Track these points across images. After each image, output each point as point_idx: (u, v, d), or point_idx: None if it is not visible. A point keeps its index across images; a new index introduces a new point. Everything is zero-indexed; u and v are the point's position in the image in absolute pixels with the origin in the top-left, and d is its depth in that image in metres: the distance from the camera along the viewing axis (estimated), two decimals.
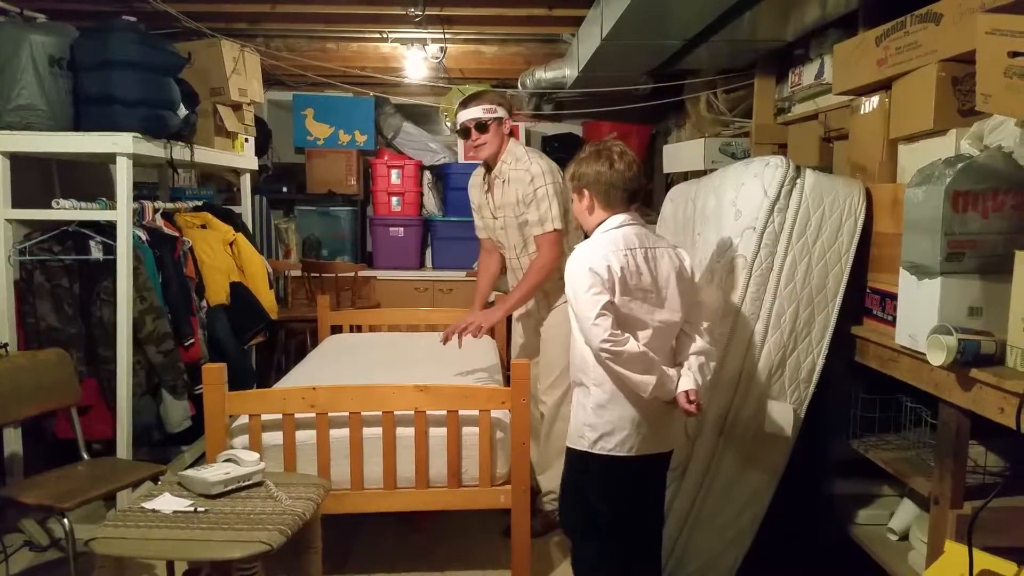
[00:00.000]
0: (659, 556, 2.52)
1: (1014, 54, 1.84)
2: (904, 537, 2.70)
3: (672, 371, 2.26)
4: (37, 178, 3.71)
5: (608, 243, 2.23)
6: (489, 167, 3.33)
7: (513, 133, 3.34)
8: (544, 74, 5.38)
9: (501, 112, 3.22)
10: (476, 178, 3.48)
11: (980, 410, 1.97)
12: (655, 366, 2.20)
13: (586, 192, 2.31)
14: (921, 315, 2.16)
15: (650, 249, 2.26)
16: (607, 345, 2.15)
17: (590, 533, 2.40)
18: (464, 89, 6.05)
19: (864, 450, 2.69)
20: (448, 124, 6.41)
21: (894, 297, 2.36)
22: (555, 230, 3.12)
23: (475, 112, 3.20)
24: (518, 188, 3.19)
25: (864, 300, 2.63)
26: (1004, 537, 2.01)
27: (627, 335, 2.18)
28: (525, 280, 3.18)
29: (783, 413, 2.59)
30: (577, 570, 2.47)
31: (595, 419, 2.30)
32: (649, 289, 2.24)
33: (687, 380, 2.26)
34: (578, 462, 2.37)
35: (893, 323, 2.37)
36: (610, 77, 4.92)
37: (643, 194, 2.38)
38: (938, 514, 2.20)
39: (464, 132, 3.25)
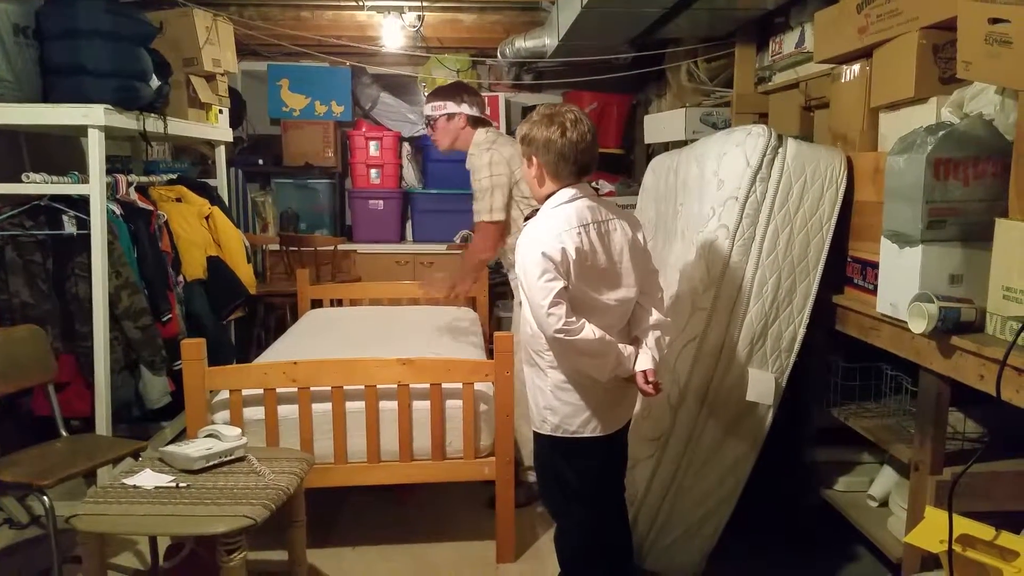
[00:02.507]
0: (627, 521, 2.52)
1: (995, 20, 1.83)
2: (884, 503, 2.74)
3: (629, 349, 2.19)
4: (5, 151, 3.63)
5: (561, 221, 2.10)
6: None
7: (482, 121, 3.37)
8: (524, 43, 5.32)
9: (451, 107, 3.29)
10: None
11: (960, 377, 1.98)
12: (611, 349, 2.13)
13: (534, 159, 2.16)
14: (902, 283, 2.17)
15: (603, 223, 2.15)
16: (561, 336, 2.04)
17: (569, 510, 2.37)
18: (443, 59, 5.99)
19: (844, 418, 2.72)
20: (426, 95, 6.33)
21: (875, 266, 2.37)
22: (484, 222, 3.21)
23: (426, 109, 3.38)
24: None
25: (845, 269, 2.64)
26: (983, 502, 2.04)
27: (582, 321, 2.08)
28: (461, 261, 3.38)
29: (765, 382, 2.60)
30: (560, 548, 2.43)
31: (555, 402, 2.23)
32: (604, 267, 2.14)
33: (645, 358, 2.18)
34: (546, 445, 2.31)
35: (874, 292, 2.38)
36: (590, 46, 4.88)
37: (595, 167, 2.22)
38: (918, 480, 2.22)
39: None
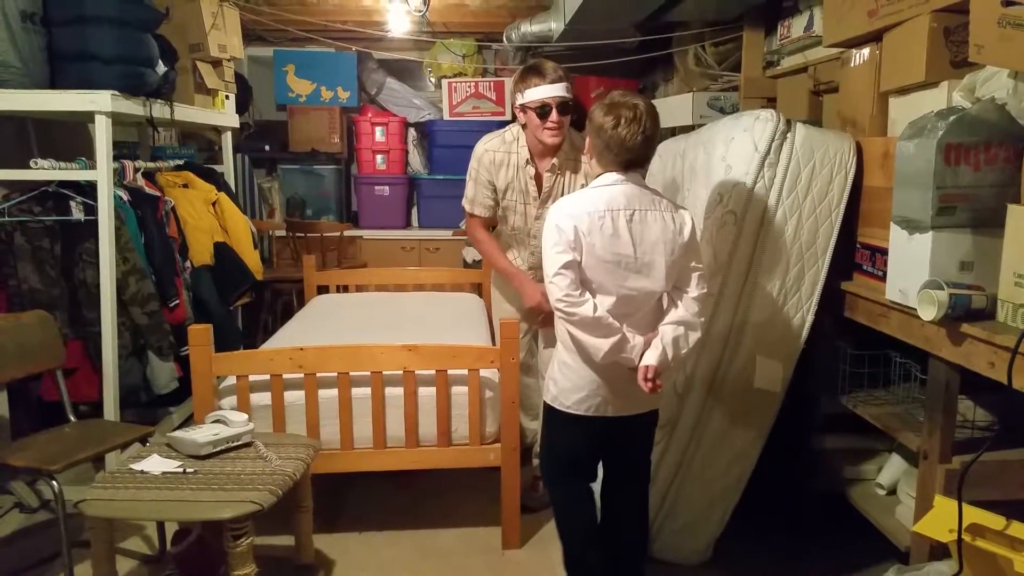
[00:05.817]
0: (646, 514, 2.51)
1: (1008, 3, 1.80)
2: (892, 492, 2.73)
3: (639, 339, 2.16)
4: (13, 137, 3.63)
5: (589, 201, 2.14)
6: (537, 152, 2.97)
7: None
8: (529, 27, 5.29)
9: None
10: (504, 155, 2.99)
11: (970, 365, 1.97)
12: (610, 332, 2.11)
13: (589, 139, 2.22)
14: (912, 270, 2.16)
15: (639, 211, 2.14)
16: (561, 305, 2.11)
17: (558, 478, 2.43)
18: (448, 44, 5.96)
19: (853, 405, 2.70)
20: (432, 80, 6.32)
21: (885, 252, 2.36)
22: None
23: (562, 90, 2.82)
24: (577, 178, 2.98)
25: (854, 255, 2.62)
26: (992, 491, 2.03)
27: (587, 297, 2.11)
28: None
29: (772, 369, 2.59)
30: (556, 519, 2.48)
31: (558, 374, 2.31)
32: (626, 254, 2.13)
33: (651, 354, 2.14)
34: (546, 411, 2.39)
35: (883, 278, 2.36)
36: (597, 30, 4.86)
37: (647, 162, 2.22)
38: (927, 469, 2.22)
39: (544, 111, 2.82)
